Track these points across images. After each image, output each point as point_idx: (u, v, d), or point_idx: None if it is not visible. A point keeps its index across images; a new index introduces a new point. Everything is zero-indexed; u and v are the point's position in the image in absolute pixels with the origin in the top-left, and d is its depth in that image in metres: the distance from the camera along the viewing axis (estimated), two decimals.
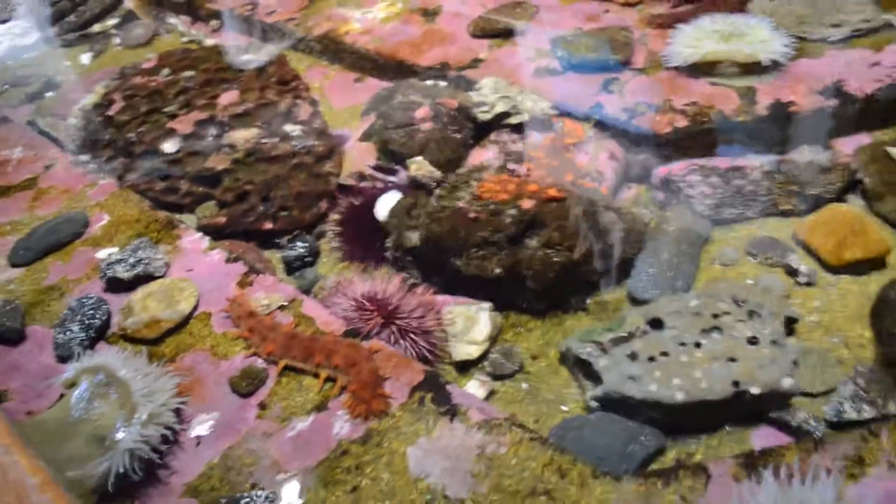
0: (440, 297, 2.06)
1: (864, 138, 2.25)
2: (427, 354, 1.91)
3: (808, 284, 1.95)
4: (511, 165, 2.27)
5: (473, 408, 1.69)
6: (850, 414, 1.64)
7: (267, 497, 1.58)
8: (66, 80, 3.42)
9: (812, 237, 2.02)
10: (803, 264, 1.98)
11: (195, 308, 2.04)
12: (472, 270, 2.00)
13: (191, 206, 2.50)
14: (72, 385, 1.78)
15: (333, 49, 3.10)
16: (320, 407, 1.75)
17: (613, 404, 1.75)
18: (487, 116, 2.41)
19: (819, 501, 1.25)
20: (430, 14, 3.06)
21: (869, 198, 2.09)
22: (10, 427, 1.45)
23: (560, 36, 2.67)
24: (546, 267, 1.97)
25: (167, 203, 2.50)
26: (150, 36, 3.59)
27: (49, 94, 3.35)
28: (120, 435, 1.65)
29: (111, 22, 3.73)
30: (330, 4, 3.31)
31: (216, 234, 2.35)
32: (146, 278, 2.13)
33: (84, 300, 2.06)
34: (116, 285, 2.13)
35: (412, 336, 1.91)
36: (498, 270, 1.98)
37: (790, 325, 1.82)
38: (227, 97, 2.76)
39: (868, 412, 1.63)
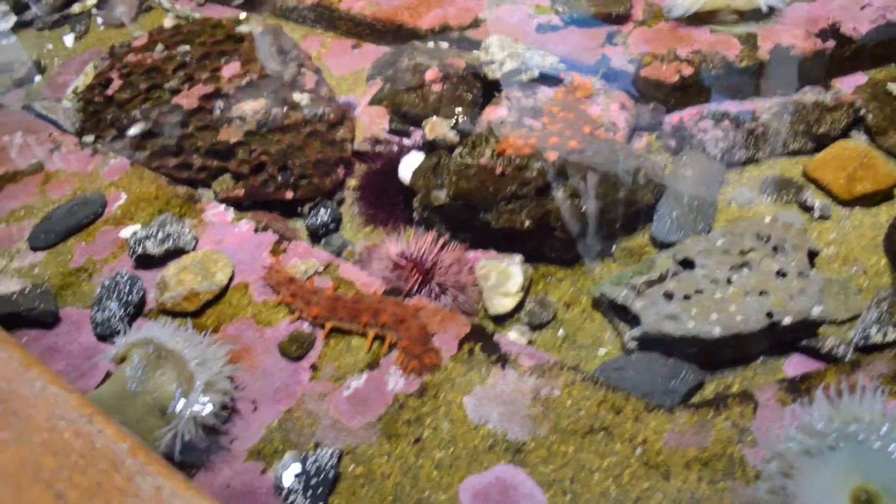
0: (471, 253, 2.12)
1: (861, 77, 2.34)
2: (467, 309, 1.98)
3: (823, 218, 2.05)
4: (527, 121, 2.32)
5: (522, 354, 1.77)
6: (877, 337, 1.74)
7: (331, 454, 1.64)
8: (53, 63, 3.37)
9: (822, 174, 2.11)
10: (817, 200, 2.07)
11: (231, 278, 2.08)
12: (503, 224, 2.06)
13: (206, 181, 2.50)
14: (122, 360, 1.81)
15: (328, 17, 3.10)
16: (372, 365, 1.81)
17: (652, 343, 1.83)
18: (497, 74, 2.45)
19: (869, 413, 1.35)
20: None
21: (873, 133, 2.19)
22: (86, 398, 1.48)
23: None
24: (574, 216, 2.04)
25: (182, 179, 2.50)
26: (133, 14, 3.54)
27: (37, 77, 3.30)
28: (181, 404, 1.69)
29: (91, 1, 3.66)
30: None
31: (236, 206, 2.37)
32: (177, 253, 2.15)
33: (117, 278, 2.08)
34: (147, 262, 2.14)
35: (452, 291, 1.97)
36: (528, 223, 2.04)
37: (811, 257, 1.91)
38: (230, 69, 2.75)
39: (893, 334, 1.74)
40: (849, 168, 2.07)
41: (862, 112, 2.20)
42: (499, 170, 2.07)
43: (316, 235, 2.34)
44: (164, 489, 1.17)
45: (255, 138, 2.51)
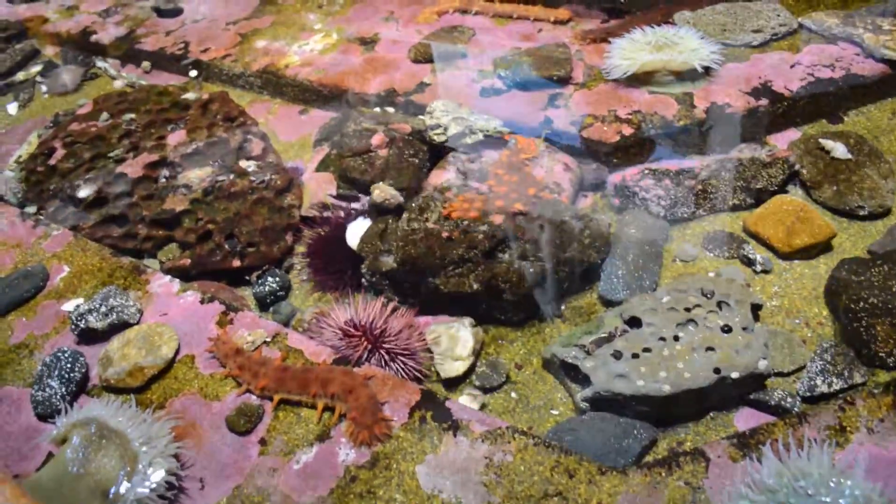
0: (421, 318, 2.11)
1: (795, 133, 2.43)
2: (417, 375, 1.96)
3: (765, 272, 2.09)
4: (472, 184, 2.35)
5: (474, 420, 1.75)
6: (822, 387, 1.77)
7: None
8: None
9: (762, 228, 2.17)
10: (758, 254, 2.12)
11: (177, 352, 2.03)
12: (451, 288, 2.06)
13: (152, 251, 2.47)
14: (63, 441, 1.75)
15: (275, 83, 3.12)
16: (322, 437, 1.77)
17: (603, 403, 1.83)
18: (442, 138, 2.48)
19: (817, 469, 1.36)
20: (368, 43, 3.12)
21: (808, 187, 2.26)
22: (21, 488, 1.42)
23: (500, 56, 2.77)
24: (522, 279, 2.05)
25: (126, 249, 2.46)
26: (78, 81, 3.52)
27: None
28: (125, 486, 1.63)
29: (35, 69, 3.63)
30: (264, 39, 3.33)
31: (182, 276, 2.33)
32: (121, 326, 2.10)
33: (59, 354, 2.01)
34: (90, 336, 2.09)
35: (402, 358, 1.95)
36: (476, 286, 2.05)
37: (755, 311, 1.94)
38: (175, 137, 2.74)
39: (837, 384, 1.77)
40: (787, 222, 2.13)
41: (797, 167, 2.28)
42: (445, 234, 2.08)
43: (264, 304, 2.31)
44: None
45: (202, 206, 2.49)
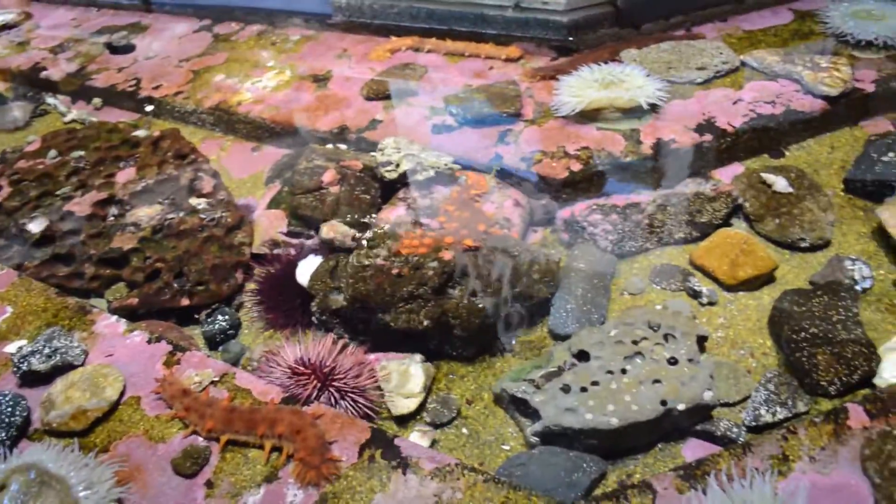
0: (371, 355, 2.10)
1: (738, 167, 2.49)
2: (368, 412, 1.95)
3: (711, 304, 2.13)
4: (423, 220, 2.36)
5: (423, 458, 1.73)
6: (766, 417, 1.80)
7: None
8: None
9: (707, 261, 2.21)
10: (704, 287, 2.15)
11: (122, 393, 1.98)
12: (402, 324, 2.06)
13: (99, 290, 2.43)
14: (1, 488, 1.70)
15: (227, 120, 3.12)
16: (270, 478, 1.74)
17: (553, 437, 1.83)
18: (393, 175, 2.49)
19: (759, 499, 1.38)
20: (320, 80, 3.13)
21: (751, 220, 2.31)
22: None
23: (452, 93, 2.81)
24: (472, 314, 2.05)
25: (73, 289, 2.42)
26: (27, 118, 3.48)
27: None
28: None
29: None
30: (216, 76, 3.33)
31: (130, 316, 2.30)
32: (64, 368, 2.05)
33: None
34: (32, 379, 2.03)
35: (351, 396, 1.94)
36: (426, 322, 2.05)
37: (701, 342, 1.97)
38: (125, 175, 2.72)
39: (781, 413, 1.80)
40: (731, 254, 2.17)
41: (740, 200, 2.34)
42: (395, 270, 2.08)
43: (213, 342, 2.29)
44: None
45: (150, 245, 2.46)
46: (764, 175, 2.36)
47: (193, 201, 2.59)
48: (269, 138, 3.02)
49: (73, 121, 3.36)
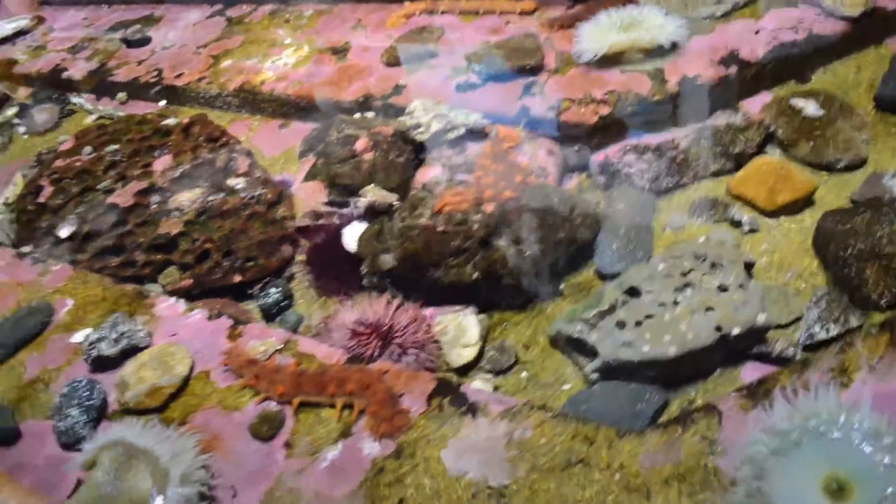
0: (426, 311, 2.16)
1: (766, 96, 2.50)
2: (430, 366, 2.01)
3: (753, 231, 2.16)
4: (460, 177, 2.40)
5: (490, 401, 1.80)
6: (821, 334, 1.84)
7: None
8: None
9: (745, 190, 2.24)
10: (745, 215, 2.18)
11: (192, 369, 2.06)
12: (452, 278, 2.11)
13: (152, 276, 2.49)
14: (91, 465, 1.78)
15: (252, 100, 3.16)
16: (345, 434, 1.81)
17: (612, 372, 1.88)
18: (425, 136, 2.53)
19: (826, 409, 1.42)
20: (339, 52, 3.16)
21: (785, 146, 2.33)
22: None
23: (472, 52, 2.83)
24: (519, 262, 2.10)
25: (127, 277, 2.49)
26: (56, 119, 3.54)
27: None
28: (159, 501, 1.67)
29: (10, 111, 3.64)
30: (236, 59, 3.36)
31: (185, 297, 2.36)
32: (132, 351, 2.13)
33: (75, 384, 2.04)
34: (103, 364, 2.11)
35: (413, 351, 2.00)
36: (476, 274, 2.10)
37: (748, 269, 2.01)
38: (161, 163, 2.77)
39: (834, 329, 1.84)
40: (769, 181, 2.20)
41: (772, 128, 2.36)
42: (441, 228, 2.13)
43: (270, 315, 2.35)
44: None
45: (196, 227, 2.52)
46: (793, 101, 2.37)
47: (231, 181, 2.65)
48: (296, 114, 3.06)
49: (101, 117, 3.41)
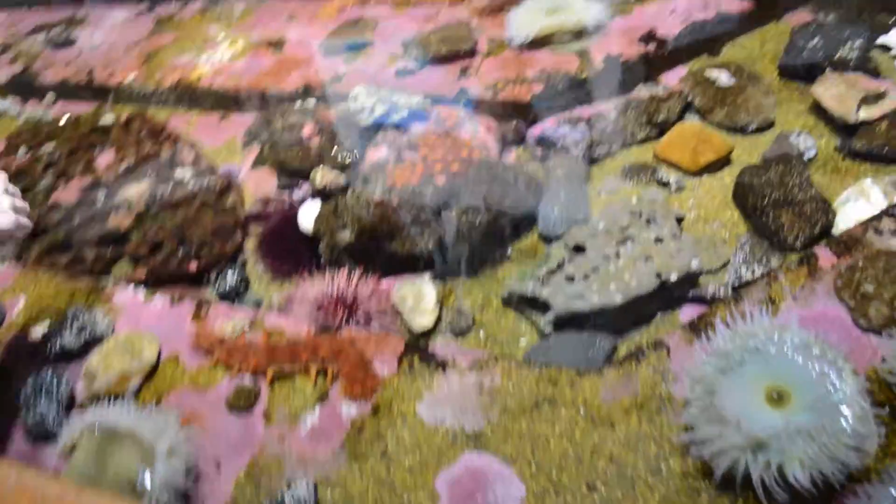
0: (385, 282, 2.26)
1: (682, 70, 2.72)
2: (394, 331, 2.11)
3: (680, 189, 2.36)
4: (407, 155, 2.51)
5: (458, 356, 1.92)
6: (747, 275, 2.04)
7: (307, 486, 1.72)
8: None
9: (670, 153, 2.43)
10: (671, 175, 2.38)
11: (160, 353, 2.10)
12: (408, 249, 2.23)
13: (104, 271, 2.51)
14: (72, 450, 1.81)
15: (190, 96, 3.19)
16: (322, 398, 1.90)
17: (565, 323, 2.03)
18: (370, 119, 2.63)
19: (761, 329, 1.61)
20: (276, 45, 3.23)
21: (702, 113, 2.54)
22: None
23: (408, 39, 2.95)
24: (471, 231, 2.23)
25: (77, 274, 2.49)
26: None
27: None
28: (148, 475, 1.71)
29: None
30: (169, 56, 3.38)
31: (143, 287, 2.39)
32: (95, 341, 2.15)
33: (40, 379, 2.04)
34: (67, 357, 2.12)
35: (378, 317, 2.10)
36: (431, 244, 2.22)
37: (679, 222, 2.20)
38: (104, 159, 2.78)
39: (759, 270, 2.04)
40: (691, 144, 2.40)
41: (690, 98, 2.57)
42: (395, 200, 2.24)
43: (229, 299, 2.40)
44: None
45: (148, 219, 2.55)
46: (707, 72, 2.59)
47: (178, 173, 2.68)
48: (235, 106, 3.11)
49: (29, 119, 3.37)
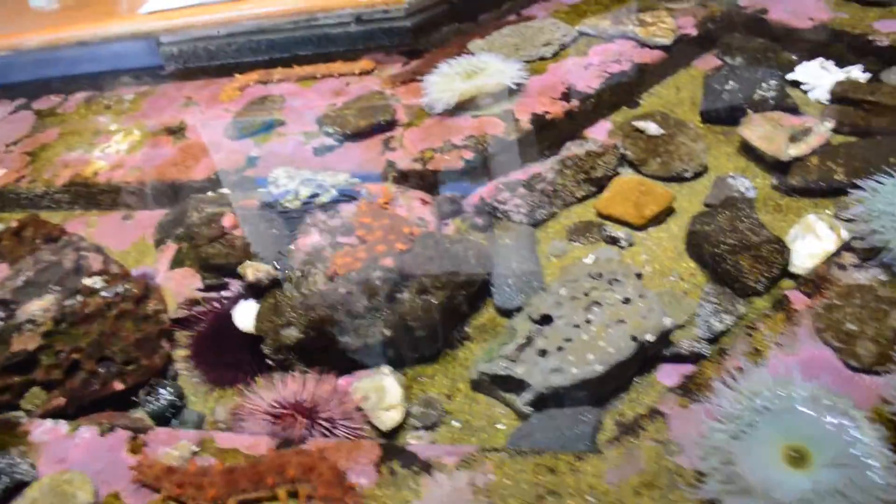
0: (340, 379, 2.08)
1: (605, 123, 2.72)
2: (363, 435, 1.93)
3: (630, 245, 2.32)
4: (341, 239, 2.36)
5: (442, 454, 1.76)
6: (718, 326, 2.00)
7: None
8: None
9: (613, 209, 2.40)
10: (618, 232, 2.34)
11: (96, 495, 1.83)
12: (365, 340, 2.06)
13: (12, 403, 2.20)
14: None
15: (86, 194, 2.92)
16: None
17: (545, 401, 1.92)
18: (296, 203, 2.47)
19: (764, 385, 1.55)
20: (176, 131, 3.02)
21: (636, 165, 2.54)
22: None
23: (322, 115, 2.82)
24: (427, 311, 2.10)
25: None
26: None
27: None
28: None
29: None
30: (57, 153, 3.10)
31: (61, 418, 2.11)
32: (17, 488, 1.85)
33: None
34: None
35: (342, 423, 1.92)
36: (387, 331, 2.07)
37: (639, 278, 2.15)
38: None
39: (728, 319, 2.01)
40: (632, 197, 2.38)
41: (622, 150, 2.56)
42: (343, 290, 2.08)
43: (163, 419, 2.15)
44: None
45: (58, 338, 2.26)
46: (635, 123, 2.60)
47: (87, 281, 2.41)
48: (139, 202, 2.87)
49: None
